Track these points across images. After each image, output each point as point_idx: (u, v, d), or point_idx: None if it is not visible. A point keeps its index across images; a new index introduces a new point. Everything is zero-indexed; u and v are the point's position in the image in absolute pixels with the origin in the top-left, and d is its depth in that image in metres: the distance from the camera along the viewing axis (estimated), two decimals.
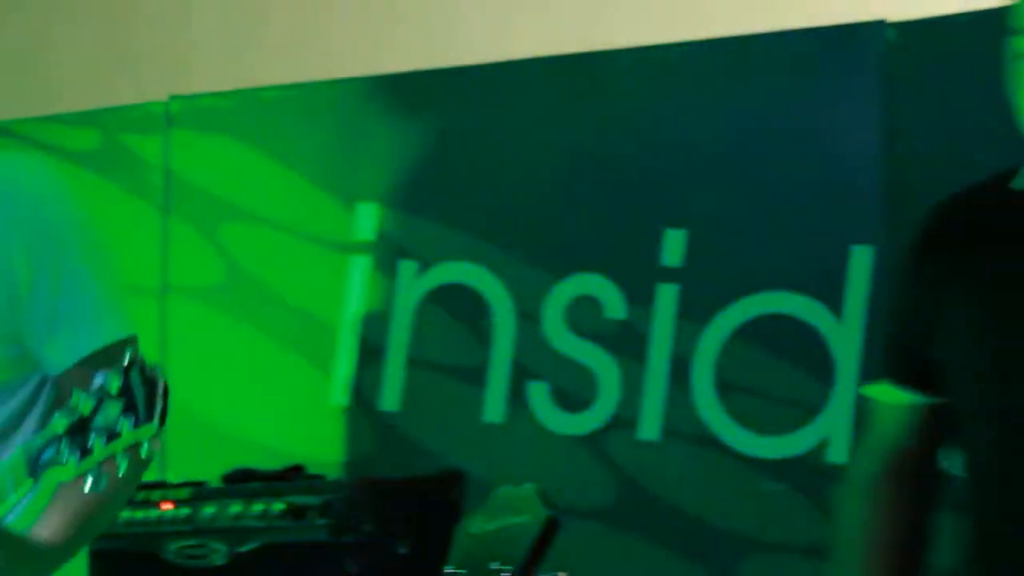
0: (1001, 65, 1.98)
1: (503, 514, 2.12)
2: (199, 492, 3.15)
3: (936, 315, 2.03)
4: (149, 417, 1.80)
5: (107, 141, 3.43)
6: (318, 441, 3.38)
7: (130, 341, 2.12)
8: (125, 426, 1.78)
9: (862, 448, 2.13)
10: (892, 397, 2.05)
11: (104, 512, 2.18)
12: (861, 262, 3.02)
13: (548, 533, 2.09)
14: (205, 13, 3.72)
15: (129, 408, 1.80)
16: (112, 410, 1.80)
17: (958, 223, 2.07)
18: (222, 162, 3.38)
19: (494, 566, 2.07)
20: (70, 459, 1.84)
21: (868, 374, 2.72)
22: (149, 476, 3.03)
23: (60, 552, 2.18)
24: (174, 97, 3.28)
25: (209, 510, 3.11)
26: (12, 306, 2.10)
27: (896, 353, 2.08)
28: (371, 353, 3.30)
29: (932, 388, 2.02)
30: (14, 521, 2.07)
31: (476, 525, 2.18)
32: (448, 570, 2.18)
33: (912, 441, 2.08)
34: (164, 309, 3.18)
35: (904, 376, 2.04)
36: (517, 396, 3.11)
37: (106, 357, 2.06)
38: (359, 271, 3.28)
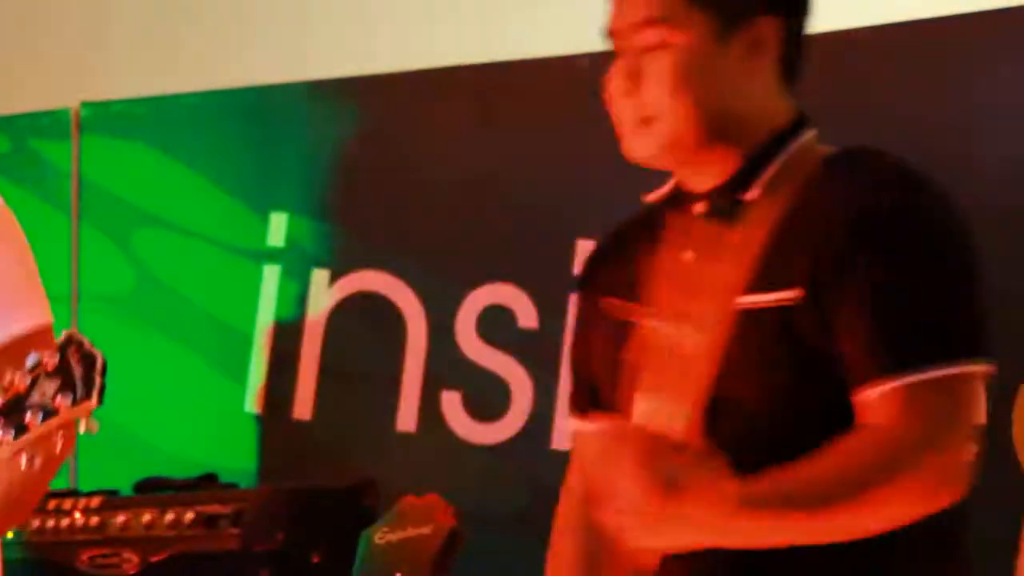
0: None
1: (407, 524, 2.15)
2: (110, 501, 3.11)
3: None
4: (87, 394, 1.84)
5: (17, 147, 3.40)
6: (231, 450, 3.35)
7: (50, 327, 2.19)
8: (62, 403, 1.83)
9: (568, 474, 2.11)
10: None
11: (36, 490, 2.26)
12: None
13: (452, 545, 2.14)
14: (118, 18, 3.72)
15: (66, 385, 1.85)
16: (48, 387, 1.86)
17: (606, 253, 2.10)
18: (135, 169, 3.36)
19: None
20: (5, 437, 1.87)
21: None
22: (59, 483, 3.01)
23: None
24: (85, 103, 3.26)
25: (121, 519, 3.07)
26: None
27: (576, 388, 2.09)
28: (284, 361, 3.30)
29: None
30: None
31: (380, 535, 2.21)
32: None
33: None
34: (75, 316, 3.14)
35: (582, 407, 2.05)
36: (430, 405, 3.10)
37: (39, 337, 2.13)
38: (272, 279, 3.29)
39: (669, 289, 1.86)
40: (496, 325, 3.06)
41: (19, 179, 3.35)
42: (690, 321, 1.84)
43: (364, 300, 3.17)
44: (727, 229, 1.82)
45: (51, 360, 1.89)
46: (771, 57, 1.79)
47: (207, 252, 3.30)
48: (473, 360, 3.05)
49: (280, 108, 3.29)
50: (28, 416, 1.86)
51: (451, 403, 3.09)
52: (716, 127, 1.80)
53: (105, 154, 3.35)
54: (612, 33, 1.84)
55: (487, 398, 3.05)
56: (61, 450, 1.94)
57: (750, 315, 1.79)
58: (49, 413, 1.87)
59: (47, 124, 3.37)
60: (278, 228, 3.28)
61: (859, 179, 1.80)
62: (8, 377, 1.88)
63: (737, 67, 1.81)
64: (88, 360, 1.88)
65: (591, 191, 3.04)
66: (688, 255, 1.82)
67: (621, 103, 1.83)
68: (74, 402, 1.85)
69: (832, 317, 1.73)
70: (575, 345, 2.06)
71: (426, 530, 2.19)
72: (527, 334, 3.02)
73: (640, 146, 1.84)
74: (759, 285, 1.75)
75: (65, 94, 3.37)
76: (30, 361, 1.89)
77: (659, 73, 1.78)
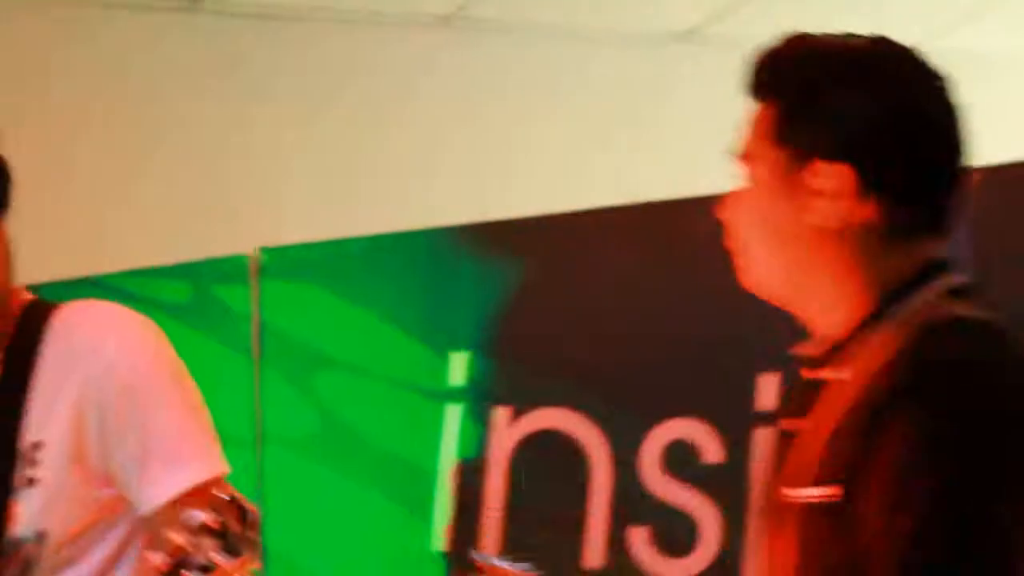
0: None
1: None
2: None
3: None
4: (248, 550, 1.90)
5: (198, 293, 3.48)
6: None
7: (221, 479, 2.22)
8: (223, 562, 1.87)
9: None
10: None
11: None
12: None
13: None
14: (292, 167, 3.85)
15: (225, 544, 1.89)
16: (207, 546, 1.90)
17: None
18: (313, 312, 3.47)
19: None
20: None
21: None
22: None
23: None
24: (264, 249, 3.38)
25: None
26: (103, 448, 2.25)
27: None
28: (468, 500, 3.29)
29: None
30: None
31: None
32: None
33: None
34: (259, 459, 3.22)
35: None
36: (617, 542, 3.09)
37: (199, 495, 2.16)
38: (454, 418, 3.34)
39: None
40: (681, 460, 3.07)
41: (201, 325, 3.41)
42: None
43: (546, 437, 3.20)
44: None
45: (212, 518, 1.95)
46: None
47: (388, 393, 3.38)
48: (659, 496, 3.05)
49: (453, 249, 3.35)
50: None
51: (639, 539, 3.07)
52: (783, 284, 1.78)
53: (284, 298, 3.43)
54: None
55: (675, 534, 3.02)
56: None
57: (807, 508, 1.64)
58: (208, 572, 1.92)
59: (227, 270, 3.44)
60: (458, 367, 3.33)
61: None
62: (173, 537, 1.93)
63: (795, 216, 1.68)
64: (245, 519, 1.95)
65: (769, 324, 3.08)
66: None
67: None
68: (234, 560, 1.93)
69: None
70: None
71: None
72: (713, 469, 3.00)
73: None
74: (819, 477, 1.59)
75: (243, 240, 3.46)
76: (193, 520, 1.95)
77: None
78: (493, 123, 4.37)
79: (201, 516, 1.91)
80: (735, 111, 1.92)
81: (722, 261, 3.19)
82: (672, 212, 3.18)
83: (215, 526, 1.90)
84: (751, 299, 3.13)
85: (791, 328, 3.10)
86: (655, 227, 3.20)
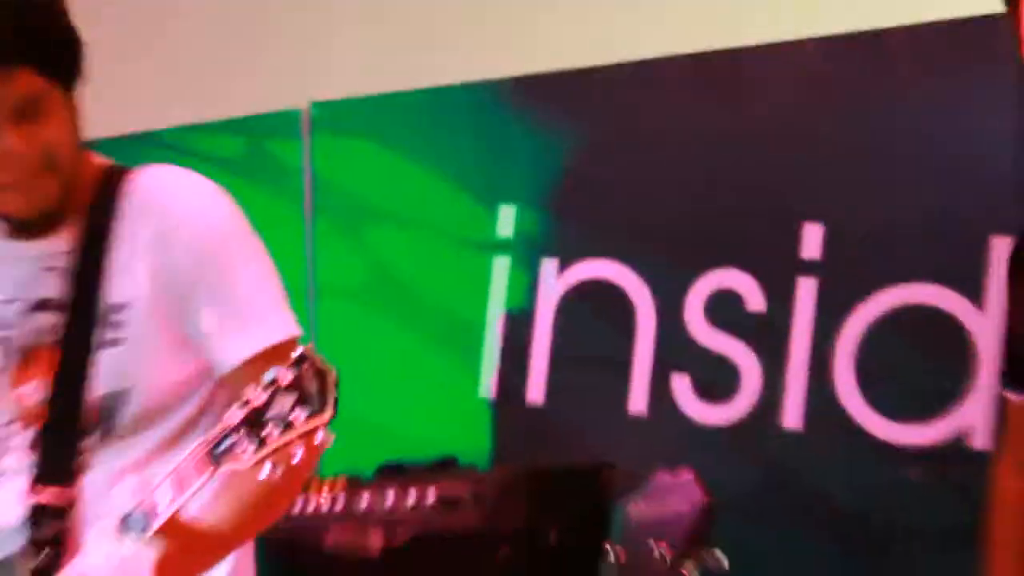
0: None
1: (664, 499, 2.15)
2: (354, 484, 3.26)
3: None
4: (322, 407, 1.90)
5: (251, 147, 3.61)
6: (466, 435, 3.52)
7: (297, 338, 2.20)
8: (299, 416, 1.90)
9: (1000, 444, 2.32)
10: (1017, 399, 2.19)
11: (278, 499, 2.30)
12: (1001, 252, 3.01)
13: (705, 518, 2.12)
14: (343, 20, 3.87)
15: (302, 399, 1.90)
16: (285, 402, 1.93)
17: None
18: (364, 166, 3.57)
19: (652, 552, 2.08)
20: (247, 449, 1.97)
21: None
22: None
23: (236, 538, 2.32)
24: (315, 103, 3.44)
25: (364, 501, 3.23)
26: (181, 310, 2.23)
27: (1010, 360, 2.23)
28: (515, 348, 3.45)
29: None
30: (193, 510, 2.16)
31: (636, 509, 2.22)
32: (608, 553, 2.15)
33: None
34: (312, 309, 3.35)
35: (1019, 381, 2.18)
36: (660, 388, 3.23)
37: (276, 353, 2.14)
38: (502, 269, 3.46)
39: None
40: (724, 309, 3.17)
41: (254, 178, 3.57)
42: None
43: (593, 287, 3.30)
44: None
45: (287, 376, 1.97)
46: None
47: (438, 244, 3.48)
48: (702, 343, 3.17)
49: (504, 103, 3.45)
50: (267, 429, 1.96)
51: (681, 386, 3.21)
52: None
53: (335, 151, 3.58)
54: None
55: (717, 381, 3.16)
56: (300, 461, 2.00)
57: None
58: (287, 426, 1.95)
59: (279, 124, 3.58)
60: (507, 220, 3.43)
61: None
62: (249, 393, 1.98)
63: None
64: (321, 375, 1.95)
65: (816, 175, 3.14)
66: None
67: None
68: (310, 415, 1.93)
69: None
70: (1013, 326, 2.20)
71: (683, 506, 2.18)
72: (755, 317, 3.13)
73: None
74: None
75: (295, 94, 3.59)
76: (268, 377, 1.98)
77: None
78: None
79: (278, 374, 1.95)
80: None
81: (767, 111, 3.24)
82: (721, 63, 3.28)
83: (292, 384, 1.93)
84: (794, 150, 3.19)
85: (834, 178, 3.14)
86: (702, 79, 3.31)
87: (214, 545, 2.30)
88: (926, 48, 3.17)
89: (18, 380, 2.35)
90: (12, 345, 2.32)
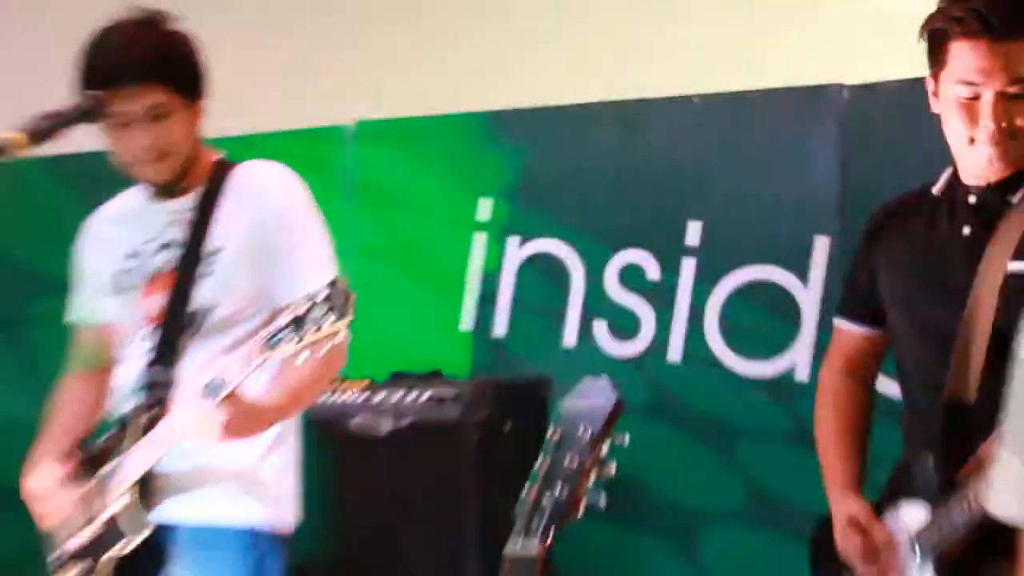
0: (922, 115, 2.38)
1: (587, 395, 2.15)
2: (371, 384, 3.62)
3: (877, 275, 2.44)
4: (343, 315, 2.25)
5: (298, 160, 3.79)
6: (453, 355, 3.89)
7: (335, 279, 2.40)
8: (327, 321, 2.22)
9: (829, 356, 2.62)
10: (847, 327, 2.55)
11: (314, 382, 2.59)
12: (822, 247, 3.51)
13: (617, 410, 2.13)
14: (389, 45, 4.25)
15: (331, 310, 2.24)
16: (319, 311, 2.26)
17: (895, 215, 2.47)
18: (394, 169, 3.94)
19: (580, 431, 2.07)
20: (291, 341, 2.28)
21: (825, 322, 3.30)
22: None
23: (284, 410, 2.61)
24: (361, 121, 3.89)
25: (379, 396, 3.58)
26: (262, 257, 2.57)
27: (851, 300, 2.56)
28: (488, 297, 3.88)
29: (871, 323, 2.50)
30: (250, 387, 2.46)
31: (570, 403, 2.18)
32: (550, 432, 2.12)
33: (861, 353, 2.55)
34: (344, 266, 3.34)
35: (856, 314, 2.53)
36: (585, 329, 3.70)
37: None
38: (480, 243, 3.87)
39: (951, 252, 2.24)
40: (632, 277, 3.67)
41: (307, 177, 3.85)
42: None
43: (542, 258, 3.79)
44: (995, 216, 2.20)
45: (322, 294, 2.29)
46: None
47: (438, 224, 3.88)
48: (616, 300, 3.67)
49: (490, 128, 3.91)
50: (305, 328, 2.26)
51: (600, 328, 3.72)
52: None
53: (373, 159, 3.95)
54: (975, 82, 2.18)
55: (624, 326, 3.66)
56: (328, 355, 2.33)
57: (1017, 279, 2.16)
58: (319, 327, 2.25)
59: (326, 138, 3.92)
60: (485, 208, 3.86)
61: None
62: (295, 304, 2.30)
63: None
64: (345, 296, 2.26)
65: (698, 189, 3.66)
66: (966, 230, 2.23)
67: (993, 121, 2.18)
68: (334, 321, 2.24)
69: None
70: (858, 271, 2.48)
71: (601, 400, 2.12)
72: (653, 283, 3.64)
73: (1004, 153, 2.20)
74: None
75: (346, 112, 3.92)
76: (309, 294, 2.29)
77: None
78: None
79: (316, 293, 2.26)
80: None
81: (665, 144, 3.76)
82: (634, 110, 3.67)
83: (324, 300, 2.24)
84: (684, 171, 3.76)
85: (710, 191, 3.73)
86: (623, 119, 3.71)
87: (268, 413, 2.58)
88: (773, 108, 3.60)
89: (147, 293, 2.65)
90: (145, 270, 2.64)
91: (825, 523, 2.49)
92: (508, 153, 3.94)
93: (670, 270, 3.66)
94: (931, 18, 2.29)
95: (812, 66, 3.63)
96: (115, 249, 2.72)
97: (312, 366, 2.42)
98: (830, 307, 3.09)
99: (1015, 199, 2.26)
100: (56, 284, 2.99)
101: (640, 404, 3.40)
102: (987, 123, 2.21)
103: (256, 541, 2.65)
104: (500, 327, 3.92)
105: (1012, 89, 2.19)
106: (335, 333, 2.27)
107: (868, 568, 2.39)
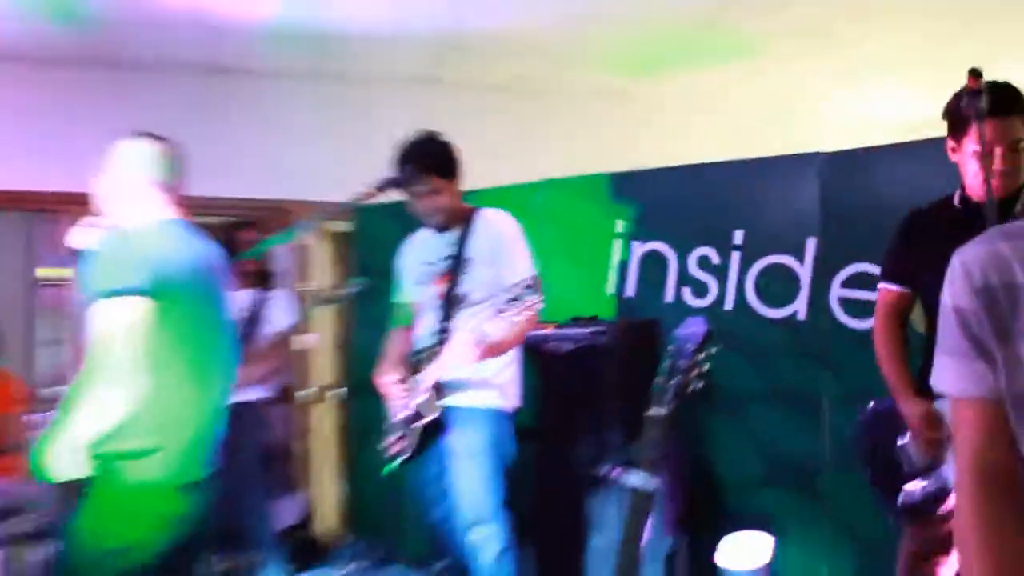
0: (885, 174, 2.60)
1: (690, 326, 2.24)
2: (559, 324, 3.91)
3: (911, 254, 2.49)
4: (538, 294, 2.64)
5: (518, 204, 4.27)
6: (603, 307, 4.21)
7: (535, 276, 2.83)
8: (531, 297, 2.68)
9: (879, 308, 2.58)
10: (891, 287, 2.56)
11: (522, 331, 2.93)
12: (811, 244, 3.79)
13: (708, 335, 2.26)
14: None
15: (531, 290, 2.68)
16: (526, 292, 2.65)
17: (924, 217, 2.50)
18: (569, 208, 4.38)
19: (687, 346, 2.16)
20: (512, 308, 2.61)
21: (814, 286, 3.64)
22: None
23: (508, 346, 2.95)
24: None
25: (563, 331, 3.89)
26: (495, 266, 2.94)
27: (893, 270, 2.56)
28: (622, 275, 4.25)
29: (905, 284, 2.52)
30: (491, 332, 2.76)
31: (681, 330, 2.27)
32: (670, 346, 2.22)
33: (900, 304, 2.56)
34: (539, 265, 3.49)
35: (896, 279, 2.55)
36: (678, 292, 4.02)
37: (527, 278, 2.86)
38: (618, 245, 4.33)
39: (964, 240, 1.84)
40: (704, 263, 4.00)
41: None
42: None
43: (651, 254, 4.22)
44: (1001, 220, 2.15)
45: (528, 281, 2.62)
46: None
47: (591, 238, 4.31)
48: (694, 275, 4.01)
49: (602, 189, 4.28)
50: (519, 303, 2.62)
51: (686, 292, 3.99)
52: None
53: (563, 199, 4.40)
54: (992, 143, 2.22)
55: (698, 291, 3.98)
56: (530, 316, 2.70)
57: None
58: (526, 301, 2.62)
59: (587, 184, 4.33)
60: (620, 226, 4.31)
61: None
62: (512, 289, 2.60)
63: None
64: (538, 282, 2.59)
65: (745, 210, 4.05)
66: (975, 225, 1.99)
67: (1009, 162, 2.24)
68: (534, 298, 2.63)
69: None
70: (897, 250, 2.43)
71: (700, 329, 2.07)
72: (716, 265, 3.97)
73: (1005, 183, 2.22)
74: None
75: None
76: (520, 282, 2.58)
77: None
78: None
79: (523, 282, 2.67)
80: None
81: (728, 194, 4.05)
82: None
83: (528, 286, 2.69)
84: (733, 197, 3.93)
85: (751, 207, 3.88)
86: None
87: (501, 346, 2.93)
88: (784, 164, 3.89)
89: (435, 284, 3.08)
90: (434, 272, 3.09)
91: (873, 410, 2.50)
92: (631, 197, 4.29)
93: (725, 258, 4.00)
94: (954, 106, 2.37)
95: (804, 141, 4.27)
96: (418, 259, 3.19)
97: (523, 322, 2.76)
98: (817, 279, 3.65)
99: (1017, 208, 2.38)
100: (389, 275, 3.41)
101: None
102: (998, 166, 2.32)
103: (497, 417, 3.08)
104: (629, 291, 4.22)
105: (1012, 145, 2.35)
106: (534, 303, 2.66)
107: (936, 445, 2.31)
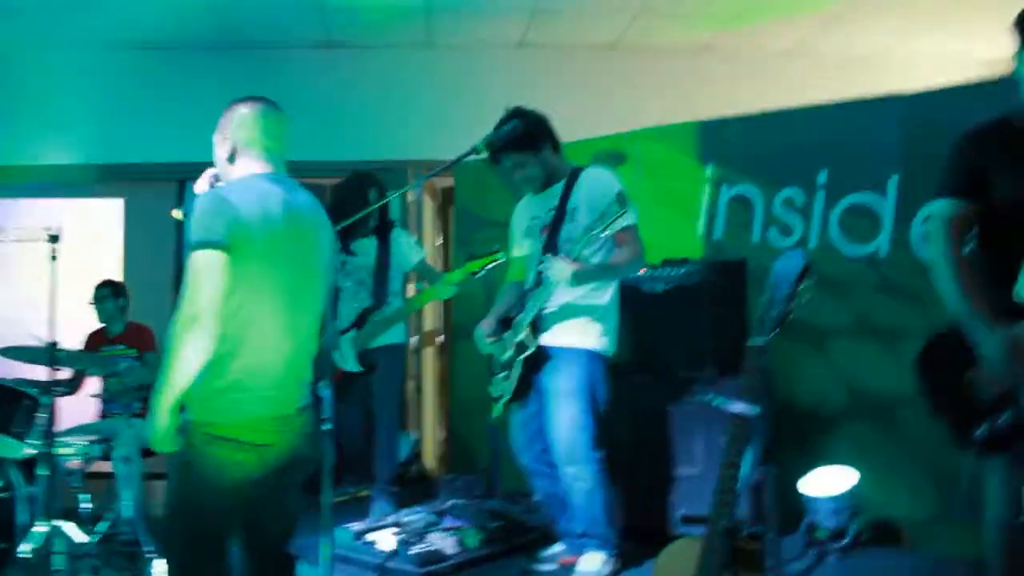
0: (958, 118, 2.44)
1: (789, 259, 2.24)
2: (652, 266, 3.97)
3: (980, 169, 2.36)
4: (624, 207, 2.78)
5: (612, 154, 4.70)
6: (694, 249, 4.36)
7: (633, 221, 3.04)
8: (618, 211, 2.81)
9: (949, 226, 2.41)
10: (954, 199, 2.42)
11: (624, 260, 3.10)
12: (893, 181, 3.87)
13: (807, 267, 2.20)
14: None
15: (618, 204, 2.83)
16: (612, 207, 2.84)
17: (986, 135, 2.38)
18: (663, 156, 4.55)
19: (788, 277, 2.14)
20: (601, 225, 2.78)
21: (896, 223, 3.72)
22: None
23: (604, 274, 3.11)
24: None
25: (657, 272, 3.97)
26: (595, 211, 3.02)
27: (957, 183, 2.41)
28: (711, 217, 4.39)
29: (973, 198, 2.38)
30: (590, 257, 3.02)
31: (780, 263, 2.23)
32: (770, 276, 2.19)
33: (968, 221, 2.41)
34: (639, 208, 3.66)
35: (961, 191, 2.40)
36: (764, 233, 4.14)
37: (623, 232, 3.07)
38: (707, 189, 4.48)
39: None
40: (789, 203, 4.16)
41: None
42: None
43: (738, 199, 4.32)
44: None
45: (611, 200, 2.79)
46: None
47: (685, 183, 4.47)
48: (780, 217, 4.19)
49: (714, 129, 4.48)
50: (608, 218, 2.75)
51: (772, 232, 4.13)
52: None
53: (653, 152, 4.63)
54: None
55: (783, 231, 4.14)
56: (629, 242, 2.88)
57: None
58: (614, 215, 2.78)
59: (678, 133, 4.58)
60: (710, 171, 4.46)
61: None
62: (603, 210, 2.75)
63: None
64: (624, 199, 2.72)
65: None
66: None
67: None
68: (621, 211, 2.74)
69: None
70: (968, 168, 2.31)
71: (798, 261, 2.08)
72: (801, 204, 4.14)
73: None
74: None
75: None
76: (607, 202, 2.76)
77: None
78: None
79: (611, 199, 2.83)
80: None
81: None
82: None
83: (613, 201, 2.81)
84: (818, 138, 3.96)
85: (837, 150, 3.95)
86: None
87: (596, 272, 3.08)
88: (869, 107, 3.93)
89: (542, 233, 3.21)
90: (541, 224, 3.27)
91: (937, 337, 2.40)
92: (719, 144, 4.45)
93: (810, 198, 4.08)
94: None
95: (887, 84, 4.30)
96: (526, 215, 3.42)
97: (623, 252, 2.99)
98: (899, 215, 3.70)
99: None
100: (501, 227, 3.64)
101: None
102: None
103: (593, 357, 3.22)
104: (718, 232, 4.36)
105: None
106: (622, 215, 2.81)
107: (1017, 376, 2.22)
